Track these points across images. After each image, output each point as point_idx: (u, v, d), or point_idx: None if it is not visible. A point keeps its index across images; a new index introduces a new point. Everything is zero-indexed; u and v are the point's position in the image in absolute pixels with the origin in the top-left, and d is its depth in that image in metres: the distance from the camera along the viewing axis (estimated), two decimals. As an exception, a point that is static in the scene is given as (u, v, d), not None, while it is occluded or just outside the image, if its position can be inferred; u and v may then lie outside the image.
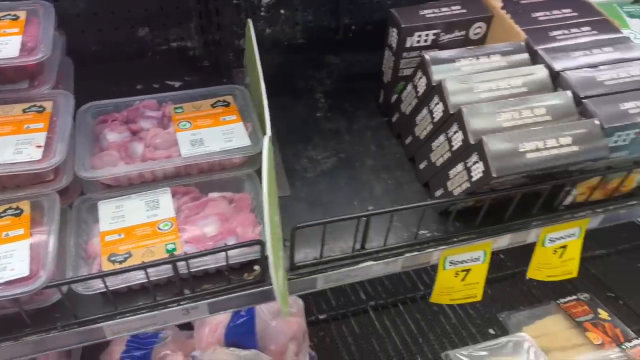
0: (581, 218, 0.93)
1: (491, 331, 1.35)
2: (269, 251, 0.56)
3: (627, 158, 0.84)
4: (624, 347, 1.20)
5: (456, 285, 0.93)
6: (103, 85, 1.06)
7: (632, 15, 1.20)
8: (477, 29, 0.98)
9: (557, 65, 0.85)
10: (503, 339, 1.22)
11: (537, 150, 0.73)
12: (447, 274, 0.91)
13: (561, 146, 0.74)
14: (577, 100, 0.81)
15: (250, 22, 0.88)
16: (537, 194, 0.87)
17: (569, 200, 0.90)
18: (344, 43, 1.36)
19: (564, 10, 0.97)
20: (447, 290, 0.93)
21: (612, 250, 1.66)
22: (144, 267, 0.66)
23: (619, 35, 0.93)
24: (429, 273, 1.53)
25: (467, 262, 0.91)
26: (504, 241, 0.91)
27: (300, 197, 0.92)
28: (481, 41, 1.00)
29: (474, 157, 0.75)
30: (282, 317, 1.08)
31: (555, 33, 0.92)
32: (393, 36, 0.97)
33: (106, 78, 1.11)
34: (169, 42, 1.25)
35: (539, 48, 0.88)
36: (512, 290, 1.51)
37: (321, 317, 1.40)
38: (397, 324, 1.38)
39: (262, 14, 1.29)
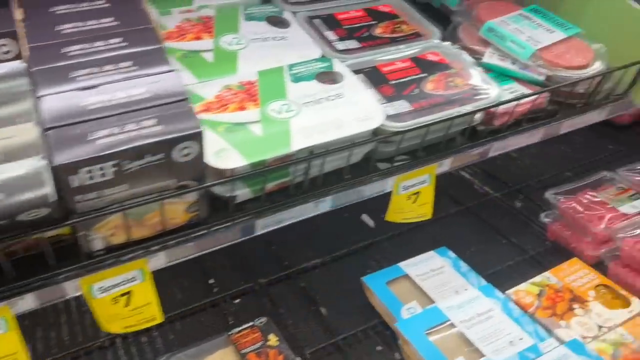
0: (134, 260, 0.81)
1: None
2: None
3: (145, 189, 0.72)
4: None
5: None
6: None
7: (250, 18, 1.11)
8: (2, 47, 0.82)
9: (43, 90, 0.71)
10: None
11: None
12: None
13: (-21, 197, 0.59)
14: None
15: None
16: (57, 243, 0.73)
17: (99, 244, 0.77)
18: None
19: (105, 20, 0.84)
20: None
21: (328, 259, 1.60)
22: None
23: (155, 47, 0.81)
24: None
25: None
26: (28, 302, 0.76)
27: None
28: (17, 61, 0.84)
29: None
30: None
31: (70, 48, 0.78)
32: None
33: None
34: None
35: (36, 69, 0.74)
36: (213, 319, 1.38)
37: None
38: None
39: None
